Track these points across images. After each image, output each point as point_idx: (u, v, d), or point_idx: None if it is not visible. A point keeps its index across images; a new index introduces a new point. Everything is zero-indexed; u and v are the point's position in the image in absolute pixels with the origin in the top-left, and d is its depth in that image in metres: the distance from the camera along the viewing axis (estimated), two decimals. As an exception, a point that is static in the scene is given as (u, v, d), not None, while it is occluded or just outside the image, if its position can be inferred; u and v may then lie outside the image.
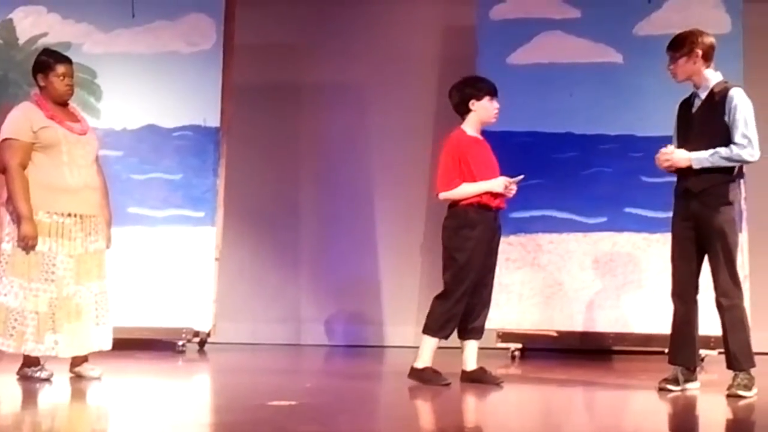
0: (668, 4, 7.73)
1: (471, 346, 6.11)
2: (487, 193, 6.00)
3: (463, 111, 6.14)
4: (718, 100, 5.73)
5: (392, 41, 8.55)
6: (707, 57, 5.79)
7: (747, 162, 5.73)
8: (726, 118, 5.70)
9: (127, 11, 8.13)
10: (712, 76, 5.81)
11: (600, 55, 7.76)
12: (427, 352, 6.01)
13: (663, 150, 5.81)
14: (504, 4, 7.94)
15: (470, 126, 6.13)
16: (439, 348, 6.03)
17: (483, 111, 6.11)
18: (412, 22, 8.58)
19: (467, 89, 6.15)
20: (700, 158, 5.70)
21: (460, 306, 5.98)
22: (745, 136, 5.66)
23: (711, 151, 5.69)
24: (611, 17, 7.75)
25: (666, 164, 5.80)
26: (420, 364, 6.02)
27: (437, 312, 6.00)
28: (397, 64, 8.50)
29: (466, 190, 6.01)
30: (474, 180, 6.01)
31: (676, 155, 5.75)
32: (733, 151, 5.67)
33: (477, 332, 6.11)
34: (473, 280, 5.99)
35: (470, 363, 6.10)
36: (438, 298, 6.03)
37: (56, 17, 8.21)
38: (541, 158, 7.63)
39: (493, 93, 6.13)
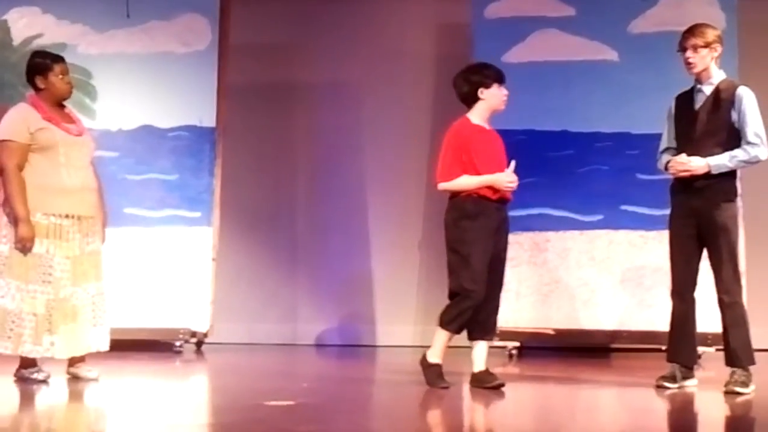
0: (663, 1, 7.72)
1: (478, 347, 5.91)
2: (487, 186, 5.85)
3: (471, 100, 5.98)
4: (725, 98, 5.72)
5: (387, 39, 8.55)
6: (720, 54, 5.82)
7: (761, 161, 5.73)
8: (734, 116, 5.70)
9: (121, 12, 8.11)
10: (716, 73, 5.81)
11: (595, 52, 7.75)
12: (437, 344, 5.84)
13: (678, 159, 5.73)
14: (499, 2, 7.93)
15: (477, 115, 5.97)
16: (453, 347, 5.94)
17: (492, 98, 5.96)
18: (406, 21, 8.58)
19: (475, 77, 5.97)
20: (719, 164, 5.66)
21: (469, 301, 5.76)
22: (757, 135, 5.68)
23: (728, 155, 5.67)
24: (606, 15, 7.75)
25: (684, 174, 5.74)
26: (431, 358, 5.86)
27: (450, 306, 5.84)
28: (392, 62, 8.50)
29: (466, 182, 5.86)
30: (476, 171, 5.85)
31: (695, 163, 5.67)
32: (751, 153, 5.67)
33: (485, 332, 5.91)
34: (483, 273, 5.79)
35: (476, 364, 5.90)
36: (450, 295, 5.86)
37: (51, 18, 8.20)
38: (537, 156, 7.61)
39: (501, 79, 5.98)
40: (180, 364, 7.37)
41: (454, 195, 5.93)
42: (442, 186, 5.95)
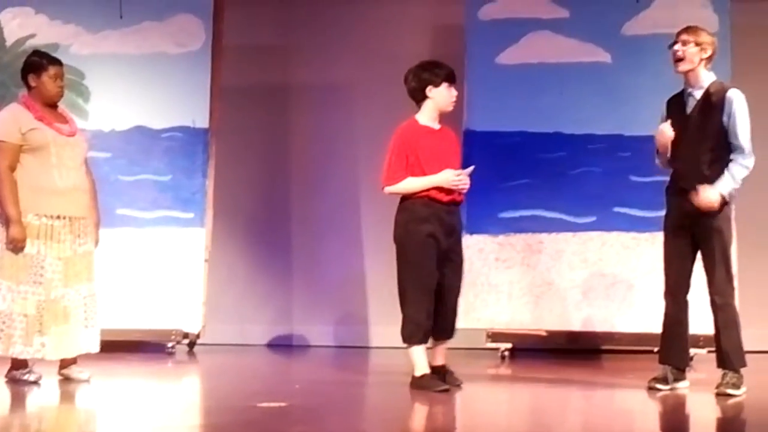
0: (656, 3, 7.73)
1: (438, 346, 5.96)
2: (436, 187, 5.77)
3: (419, 98, 5.90)
4: (715, 101, 5.71)
5: (381, 41, 8.54)
6: (710, 59, 5.80)
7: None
8: (724, 119, 5.69)
9: (114, 12, 8.11)
10: (706, 77, 5.80)
11: (588, 54, 7.76)
12: (416, 360, 5.81)
13: (694, 195, 5.63)
14: (493, 4, 7.93)
15: (425, 114, 5.88)
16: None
17: (440, 98, 5.85)
18: (400, 22, 8.57)
19: (424, 74, 5.87)
20: (727, 188, 5.65)
21: (421, 308, 5.74)
22: (745, 139, 5.67)
23: (730, 179, 5.62)
24: (599, 17, 7.75)
25: (706, 203, 5.63)
26: (417, 372, 5.82)
27: (403, 319, 5.82)
28: (386, 63, 8.46)
29: (412, 184, 5.77)
30: (423, 173, 5.76)
31: (711, 197, 5.60)
32: (749, 166, 5.68)
33: (445, 333, 5.91)
34: (430, 279, 5.76)
35: (437, 358, 5.94)
36: (400, 304, 5.83)
37: (44, 18, 8.19)
38: (530, 158, 7.63)
39: (451, 79, 5.88)
40: (172, 366, 7.37)
41: (405, 197, 5.85)
42: (388, 189, 5.88)
